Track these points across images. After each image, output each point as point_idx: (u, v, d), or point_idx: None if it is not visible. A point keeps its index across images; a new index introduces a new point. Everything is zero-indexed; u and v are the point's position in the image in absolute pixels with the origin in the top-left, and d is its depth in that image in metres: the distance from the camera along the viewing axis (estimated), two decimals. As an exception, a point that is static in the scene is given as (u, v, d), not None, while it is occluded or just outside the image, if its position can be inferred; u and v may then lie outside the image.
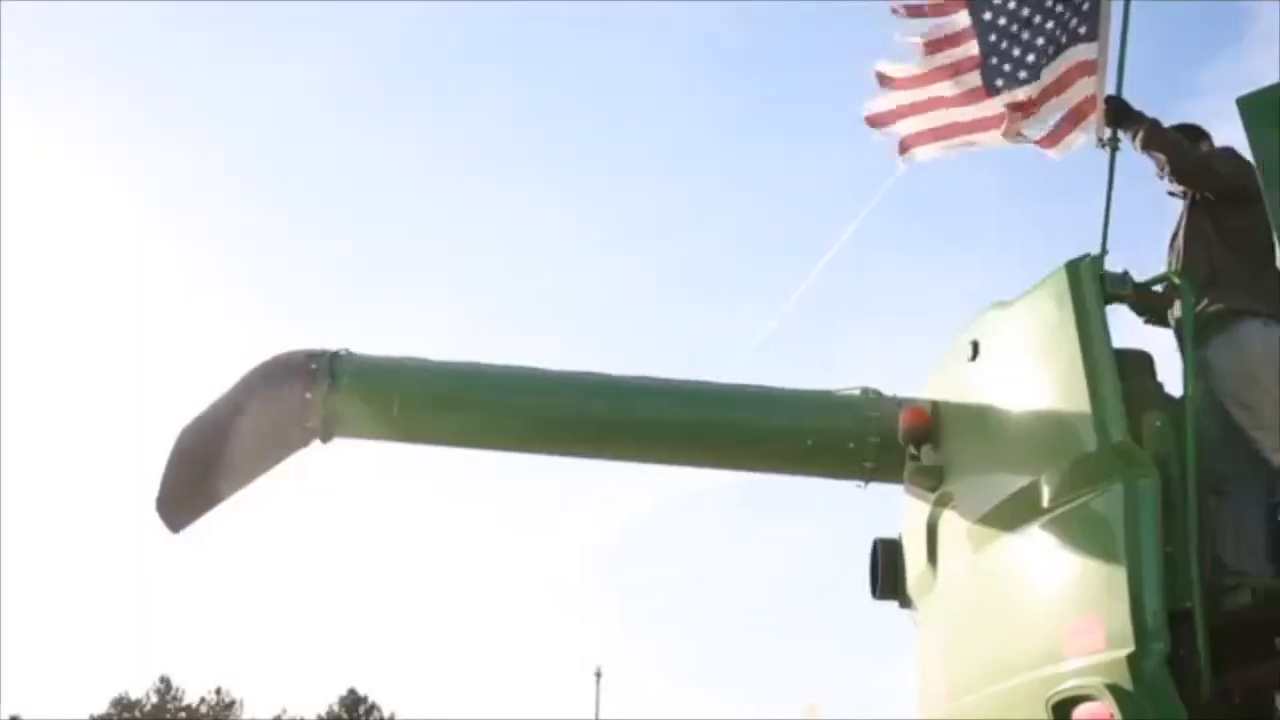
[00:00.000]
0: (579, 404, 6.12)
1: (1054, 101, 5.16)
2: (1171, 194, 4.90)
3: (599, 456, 6.49)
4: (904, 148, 5.73)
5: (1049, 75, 5.14)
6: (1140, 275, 4.43)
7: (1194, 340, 4.21)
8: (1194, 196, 4.76)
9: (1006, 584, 4.57)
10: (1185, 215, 4.80)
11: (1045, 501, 4.30)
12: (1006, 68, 5.25)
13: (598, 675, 31.59)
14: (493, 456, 6.65)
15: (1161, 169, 4.78)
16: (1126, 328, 4.30)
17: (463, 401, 6.22)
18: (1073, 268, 4.26)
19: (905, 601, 5.87)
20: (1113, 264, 4.32)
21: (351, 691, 49.47)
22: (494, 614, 62.31)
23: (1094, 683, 3.79)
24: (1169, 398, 4.18)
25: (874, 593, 6.01)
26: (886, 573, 5.92)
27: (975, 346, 4.96)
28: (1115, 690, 3.69)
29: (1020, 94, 5.22)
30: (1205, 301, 4.45)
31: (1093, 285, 4.20)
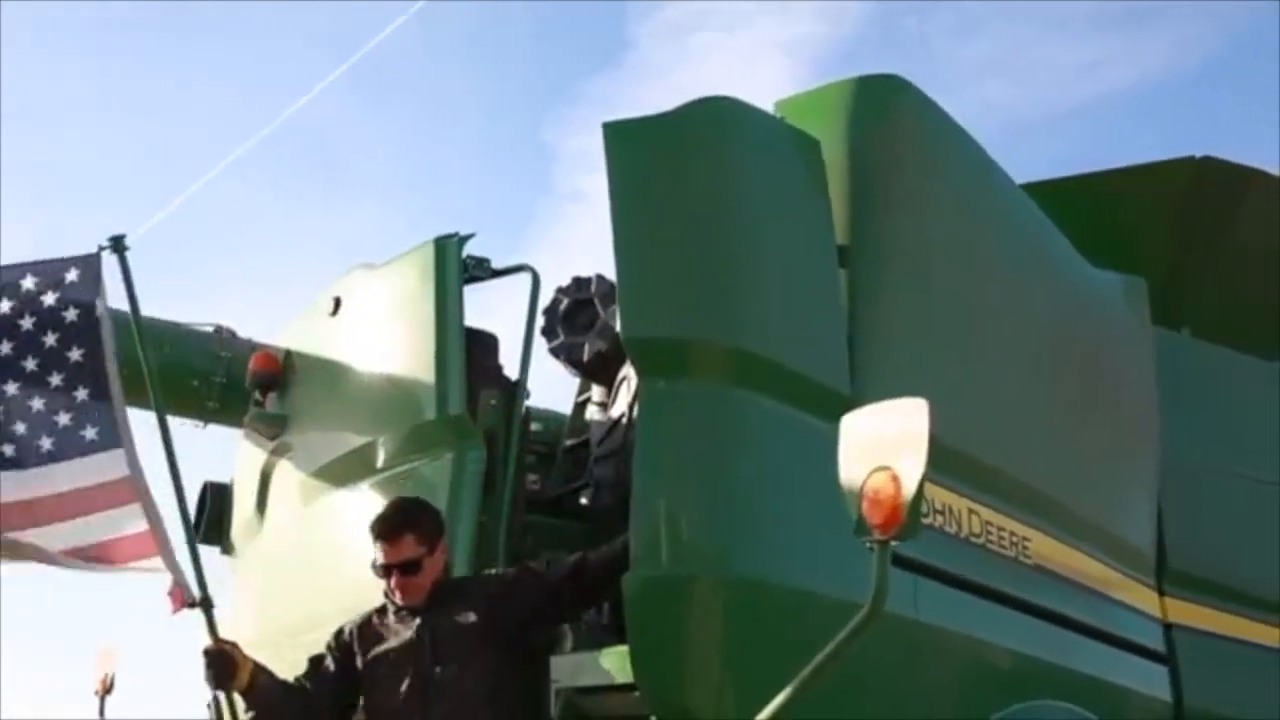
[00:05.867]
0: None
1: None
2: None
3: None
4: None
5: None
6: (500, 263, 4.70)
7: (531, 329, 4.52)
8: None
9: (329, 538, 4.65)
10: None
11: (380, 462, 4.43)
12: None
13: None
14: None
15: None
16: (480, 308, 4.53)
17: None
18: (440, 244, 4.42)
19: (228, 548, 5.76)
20: (477, 248, 4.54)
21: None
22: None
23: None
24: (507, 378, 4.48)
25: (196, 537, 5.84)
26: (211, 517, 5.78)
27: (338, 303, 4.98)
28: None
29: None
30: None
31: (455, 264, 4.38)
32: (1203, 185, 6.13)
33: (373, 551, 3.64)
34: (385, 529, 3.62)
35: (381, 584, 3.67)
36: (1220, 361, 5.94)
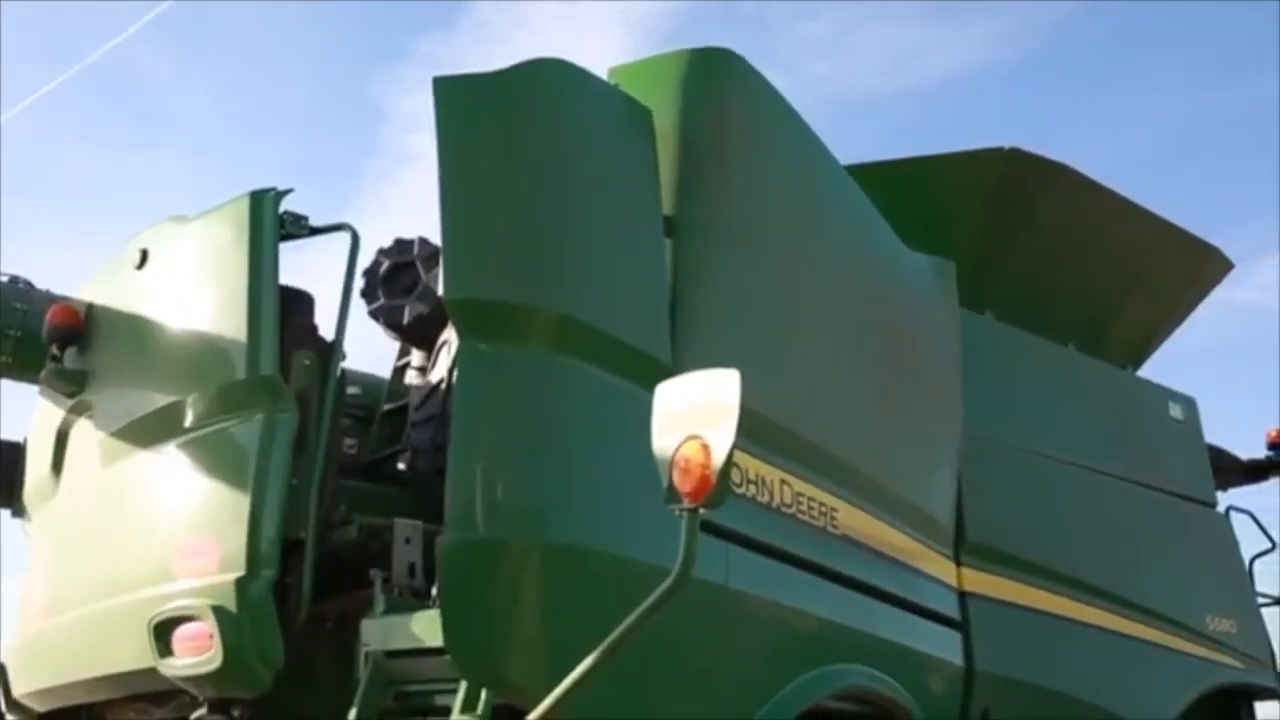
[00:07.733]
0: None
1: None
2: None
3: None
4: None
5: None
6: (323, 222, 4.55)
7: (349, 290, 4.40)
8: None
9: (131, 501, 4.46)
10: None
11: (187, 422, 4.26)
12: None
13: None
14: None
15: None
16: (297, 267, 4.40)
17: None
18: (256, 198, 4.26)
19: (19, 510, 5.49)
20: (299, 205, 4.41)
21: None
22: None
23: (200, 604, 3.83)
24: (322, 340, 4.36)
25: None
26: (3, 478, 5.49)
27: (145, 255, 4.77)
28: (219, 611, 3.76)
29: None
30: None
31: (271, 219, 4.24)
32: (1010, 176, 6.40)
33: None
34: None
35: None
36: (1020, 344, 6.26)
